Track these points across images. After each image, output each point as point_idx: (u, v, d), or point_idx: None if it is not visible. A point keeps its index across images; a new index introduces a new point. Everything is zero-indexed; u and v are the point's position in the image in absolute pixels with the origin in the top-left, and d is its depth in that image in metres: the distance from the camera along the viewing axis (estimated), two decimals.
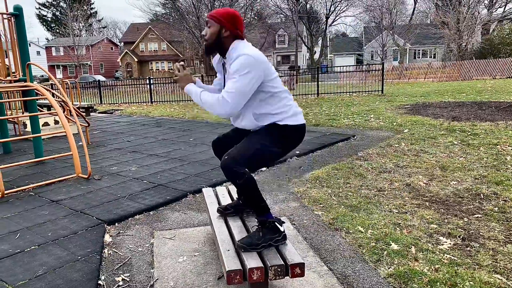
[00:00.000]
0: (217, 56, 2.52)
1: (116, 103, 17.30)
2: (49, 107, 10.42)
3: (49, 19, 63.12)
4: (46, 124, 8.24)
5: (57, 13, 61.05)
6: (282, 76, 18.41)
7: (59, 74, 53.23)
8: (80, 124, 6.16)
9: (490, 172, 4.49)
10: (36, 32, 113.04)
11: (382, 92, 15.48)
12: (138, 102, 17.04)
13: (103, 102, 17.65)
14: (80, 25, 50.64)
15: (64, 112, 7.35)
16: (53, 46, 55.55)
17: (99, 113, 13.45)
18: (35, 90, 5.77)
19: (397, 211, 3.50)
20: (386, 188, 4.14)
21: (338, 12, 38.78)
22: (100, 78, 32.36)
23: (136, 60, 51.20)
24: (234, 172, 2.24)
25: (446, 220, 3.27)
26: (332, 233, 3.15)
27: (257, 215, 2.37)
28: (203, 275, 2.61)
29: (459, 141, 6.13)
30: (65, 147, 6.95)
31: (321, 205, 3.73)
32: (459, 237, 2.96)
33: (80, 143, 5.98)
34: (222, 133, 2.71)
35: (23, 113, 8.52)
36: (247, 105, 2.36)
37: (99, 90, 17.92)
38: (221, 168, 2.26)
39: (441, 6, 32.99)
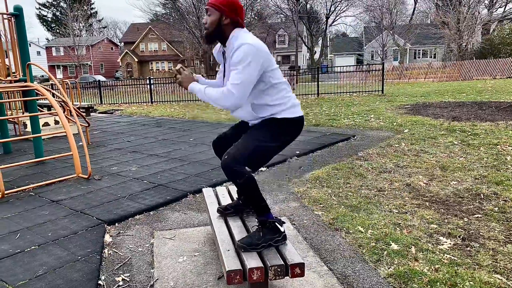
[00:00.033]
0: (218, 46, 2.50)
1: (116, 103, 17.30)
2: (49, 107, 10.43)
3: (49, 19, 63.17)
4: (46, 124, 8.25)
5: (57, 13, 61.11)
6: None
7: (59, 74, 53.25)
8: (80, 124, 6.16)
9: (490, 172, 4.49)
10: (36, 32, 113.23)
11: (382, 92, 15.48)
12: (138, 102, 17.05)
13: (103, 102, 17.65)
14: (80, 25, 50.65)
15: (64, 112, 7.35)
16: (53, 46, 55.57)
17: (99, 113, 13.46)
18: (35, 90, 5.77)
19: (397, 211, 3.50)
20: (386, 188, 4.14)
21: (338, 12, 38.84)
22: (100, 78, 32.40)
23: (136, 60, 51.22)
24: (235, 172, 2.24)
25: (446, 220, 3.27)
26: (332, 233, 3.15)
27: (257, 215, 2.37)
28: (203, 275, 2.61)
29: (459, 141, 6.13)
30: (65, 147, 6.95)
31: (321, 205, 3.73)
32: (459, 237, 2.96)
33: (80, 143, 5.98)
34: (222, 133, 2.71)
35: (23, 113, 8.52)
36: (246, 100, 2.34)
37: (99, 90, 17.92)
38: (222, 167, 2.26)
39: (441, 6, 32.97)
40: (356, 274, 2.53)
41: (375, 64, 18.34)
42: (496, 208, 3.46)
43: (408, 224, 3.21)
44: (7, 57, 6.70)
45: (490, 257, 2.64)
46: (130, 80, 20.58)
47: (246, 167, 2.32)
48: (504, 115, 8.36)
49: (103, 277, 2.62)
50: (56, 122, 8.41)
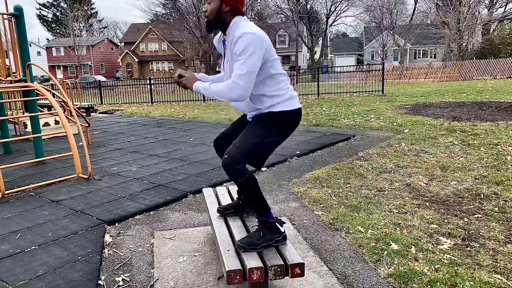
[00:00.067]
0: (218, 35, 2.47)
1: (117, 103, 17.30)
2: (49, 107, 10.44)
3: (50, 19, 63.20)
4: (46, 124, 8.25)
5: (58, 14, 61.15)
6: None
7: (59, 74, 53.27)
8: (81, 124, 6.16)
9: (491, 172, 4.49)
10: (37, 33, 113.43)
11: (383, 92, 15.48)
12: (139, 102, 17.05)
13: (103, 102, 17.66)
14: (81, 25, 50.70)
15: (64, 112, 7.35)
16: (53, 47, 55.59)
17: (99, 113, 13.46)
18: (36, 91, 5.78)
19: (397, 211, 3.50)
20: (386, 188, 4.14)
21: (339, 12, 38.81)
22: (101, 78, 32.43)
23: (136, 60, 51.24)
24: (236, 170, 2.24)
25: (446, 220, 3.27)
26: (332, 233, 3.15)
27: (257, 214, 2.37)
28: (203, 275, 2.61)
29: (460, 141, 6.13)
30: (65, 147, 6.95)
31: (321, 205, 3.73)
32: (459, 237, 2.96)
33: (81, 143, 5.98)
34: (222, 132, 2.70)
35: (23, 114, 8.53)
36: None
37: (100, 90, 17.93)
38: (223, 167, 2.26)
39: (441, 6, 32.97)
40: (356, 274, 2.53)
41: (375, 64, 18.35)
42: (496, 208, 3.46)
43: (408, 224, 3.21)
44: (7, 57, 6.71)
45: (490, 257, 2.64)
46: (130, 80, 20.60)
47: (249, 166, 2.32)
48: (504, 115, 8.36)
49: (103, 277, 2.62)
50: (56, 122, 8.41)
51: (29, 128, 7.82)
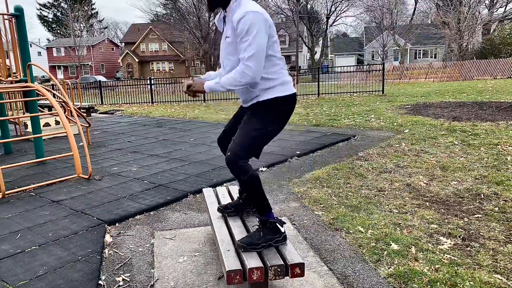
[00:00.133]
0: (219, 15, 2.44)
1: (117, 104, 17.31)
2: (50, 107, 10.44)
3: (50, 19, 63.24)
4: (47, 124, 8.26)
5: (58, 14, 61.22)
6: None
7: (60, 74, 53.29)
8: (81, 125, 6.17)
9: (491, 172, 4.49)
10: (37, 33, 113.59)
11: (383, 92, 15.48)
12: (139, 103, 17.06)
13: (104, 103, 17.67)
14: (81, 25, 50.75)
15: (65, 112, 7.36)
16: (54, 47, 55.61)
17: (100, 113, 13.47)
18: (36, 91, 5.78)
19: (397, 211, 3.50)
20: (387, 188, 4.14)
21: (339, 12, 38.76)
22: (101, 78, 32.44)
23: (137, 60, 51.25)
24: (239, 167, 2.24)
25: (446, 220, 3.27)
26: (332, 233, 3.15)
27: (258, 213, 2.37)
28: (203, 275, 2.61)
29: (460, 141, 6.13)
30: (66, 148, 6.96)
31: (322, 205, 3.73)
32: (459, 237, 2.96)
33: (81, 144, 5.99)
34: (223, 129, 2.70)
35: (24, 114, 8.53)
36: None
37: (100, 91, 17.94)
38: (226, 164, 2.27)
39: (441, 6, 32.97)
40: (356, 274, 2.54)
41: (376, 64, 18.35)
42: (497, 208, 3.46)
43: (408, 224, 3.22)
44: (8, 58, 6.71)
45: (490, 257, 2.64)
46: (130, 81, 20.61)
47: (253, 165, 2.32)
48: (504, 115, 8.36)
49: (103, 277, 2.62)
50: (57, 123, 8.42)
51: (29, 128, 7.82)
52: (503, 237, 2.93)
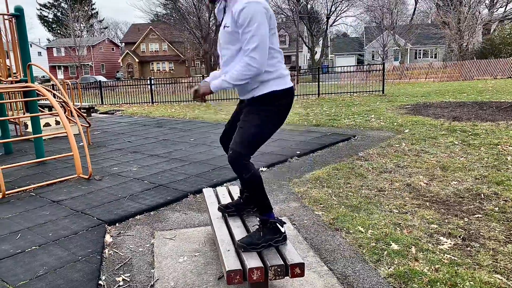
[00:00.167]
0: (220, 4, 2.41)
1: (117, 104, 17.32)
2: (50, 107, 10.44)
3: (50, 19, 63.24)
4: (47, 124, 8.26)
5: (58, 14, 61.22)
6: None
7: (60, 74, 53.29)
8: (81, 125, 6.17)
9: (491, 172, 4.49)
10: (37, 33, 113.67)
11: (383, 92, 15.47)
12: (139, 103, 17.06)
13: (104, 103, 17.67)
14: (81, 25, 50.76)
15: (65, 112, 7.36)
16: (54, 47, 55.62)
17: (100, 113, 13.47)
18: (36, 91, 5.78)
19: (397, 211, 3.50)
20: (387, 188, 4.14)
21: (339, 12, 38.77)
22: (101, 78, 32.43)
23: (137, 60, 51.25)
24: (242, 166, 2.24)
25: (446, 220, 3.27)
26: (332, 233, 3.15)
27: (259, 213, 2.37)
28: (204, 275, 2.61)
29: (460, 141, 6.13)
30: (66, 148, 6.96)
31: (322, 205, 3.73)
32: (459, 237, 2.96)
33: (81, 144, 5.99)
34: (224, 128, 2.69)
35: (24, 114, 8.53)
36: (236, 59, 2.27)
37: (100, 91, 17.94)
38: (229, 163, 2.28)
39: (442, 6, 32.97)
40: (356, 274, 2.54)
41: (376, 64, 18.34)
42: (497, 208, 3.46)
43: (408, 224, 3.21)
44: (8, 58, 6.72)
45: (490, 257, 2.64)
46: (131, 81, 20.61)
47: (256, 164, 2.31)
48: (504, 115, 8.35)
49: (103, 277, 2.62)
50: (57, 123, 8.42)
51: (29, 129, 7.83)
52: (503, 237, 2.93)
